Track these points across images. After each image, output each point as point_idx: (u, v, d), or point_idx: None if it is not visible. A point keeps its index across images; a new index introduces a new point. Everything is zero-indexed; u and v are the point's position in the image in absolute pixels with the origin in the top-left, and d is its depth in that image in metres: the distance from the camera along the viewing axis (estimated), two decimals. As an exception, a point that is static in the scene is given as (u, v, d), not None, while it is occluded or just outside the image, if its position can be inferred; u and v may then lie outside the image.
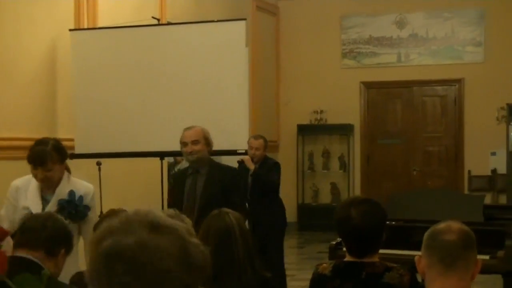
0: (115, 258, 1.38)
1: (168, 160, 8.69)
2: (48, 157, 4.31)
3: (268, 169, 7.69)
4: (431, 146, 12.93)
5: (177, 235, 1.42)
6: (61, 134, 7.44)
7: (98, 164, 6.90)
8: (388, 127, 13.09)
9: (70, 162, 7.30)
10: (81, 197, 4.42)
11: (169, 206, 6.04)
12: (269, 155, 8.17)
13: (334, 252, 5.45)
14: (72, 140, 7.21)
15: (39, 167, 4.30)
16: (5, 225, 3.94)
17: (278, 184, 7.78)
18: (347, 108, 12.98)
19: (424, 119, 12.96)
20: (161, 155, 7.18)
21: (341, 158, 13.17)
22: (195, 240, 1.45)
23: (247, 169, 7.62)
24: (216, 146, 6.92)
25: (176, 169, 10.27)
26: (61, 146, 4.50)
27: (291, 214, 11.83)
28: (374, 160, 13.11)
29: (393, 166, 13.01)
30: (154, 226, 1.41)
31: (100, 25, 7.81)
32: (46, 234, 3.19)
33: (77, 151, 7.15)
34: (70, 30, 7.39)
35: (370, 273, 3.23)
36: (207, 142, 5.62)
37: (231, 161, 8.02)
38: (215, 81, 6.97)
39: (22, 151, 6.85)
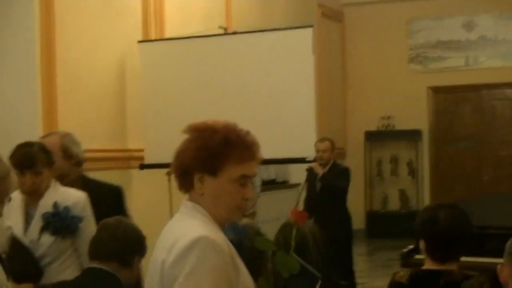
0: None
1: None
2: (36, 157, 3.81)
3: (337, 175, 7.65)
4: (502, 150, 12.68)
5: None
6: (132, 145, 7.55)
7: (168, 174, 6.95)
8: (457, 132, 12.89)
9: (139, 173, 7.43)
10: (67, 208, 3.80)
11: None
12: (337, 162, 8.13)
13: (406, 259, 5.37)
14: (142, 150, 7.30)
15: (27, 170, 3.77)
16: None
17: (347, 190, 7.72)
18: (415, 114, 12.82)
19: (494, 123, 12.73)
20: (229, 164, 7.21)
21: (409, 164, 13.02)
22: None
23: (315, 176, 7.61)
24: (284, 154, 6.92)
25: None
26: (48, 149, 3.94)
27: (359, 221, 11.76)
28: (443, 166, 12.92)
29: (463, 172, 12.80)
30: None
31: (167, 36, 7.88)
32: (117, 246, 3.18)
33: (147, 161, 7.23)
34: (139, 42, 7.48)
35: (449, 281, 3.17)
36: (67, 154, 4.35)
37: (300, 169, 8.02)
38: (282, 90, 6.96)
39: (95, 162, 6.98)
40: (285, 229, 3.32)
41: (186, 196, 2.43)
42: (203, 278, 2.19)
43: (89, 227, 3.79)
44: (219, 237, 2.30)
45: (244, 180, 2.37)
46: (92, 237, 3.36)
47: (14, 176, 2.90)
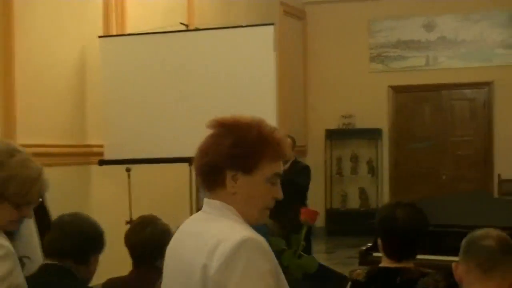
0: None
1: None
2: None
3: (297, 172, 7.66)
4: (460, 150, 12.82)
5: None
6: (91, 140, 7.49)
7: (128, 170, 6.93)
8: (416, 131, 12.99)
9: (99, 169, 7.38)
10: None
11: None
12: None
13: (364, 257, 5.40)
14: (101, 146, 7.25)
15: None
16: None
17: (307, 187, 7.74)
18: (375, 113, 12.91)
19: (453, 122, 12.86)
20: (190, 160, 7.18)
21: (369, 163, 13.10)
22: None
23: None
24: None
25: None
26: None
27: (319, 219, 11.79)
28: (402, 165, 13.02)
29: (422, 171, 12.92)
30: None
31: (128, 31, 7.84)
32: (72, 242, 3.13)
33: (107, 157, 7.19)
34: (99, 37, 7.43)
35: (405, 279, 3.19)
36: None
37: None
38: (243, 87, 6.97)
39: (54, 157, 6.92)
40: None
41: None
42: (257, 284, 2.06)
43: (28, 229, 3.55)
44: (262, 239, 2.15)
45: (275, 178, 2.27)
46: (47, 234, 3.31)
47: (46, 176, 2.77)
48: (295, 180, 7.57)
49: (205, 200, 2.30)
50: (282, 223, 3.75)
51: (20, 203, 2.63)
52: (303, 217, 2.98)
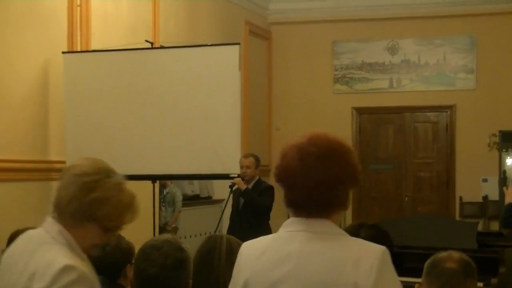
0: None
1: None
2: None
3: (260, 192, 7.64)
4: (422, 172, 12.92)
5: None
6: (53, 156, 7.41)
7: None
8: (379, 153, 13.07)
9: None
10: None
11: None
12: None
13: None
14: (64, 162, 7.18)
15: None
16: None
17: (270, 208, 7.72)
18: (339, 133, 12.66)
19: (416, 145, 12.96)
20: (153, 178, 7.15)
21: (332, 183, 13.09)
22: None
23: (240, 192, 7.59)
24: (208, 171, 6.90)
25: (165, 193, 10.26)
26: None
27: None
28: (364, 186, 13.05)
29: (384, 192, 12.98)
30: None
31: (93, 48, 7.79)
32: None
33: (69, 174, 7.10)
34: (63, 52, 7.37)
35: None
36: None
37: (225, 185, 8.00)
38: (208, 105, 6.95)
39: (14, 173, 6.83)
40: (209, 241, 3.28)
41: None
42: None
43: None
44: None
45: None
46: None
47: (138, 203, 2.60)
48: (258, 200, 7.55)
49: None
50: (244, 241, 3.72)
51: (108, 227, 2.48)
52: None
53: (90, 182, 2.44)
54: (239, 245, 3.30)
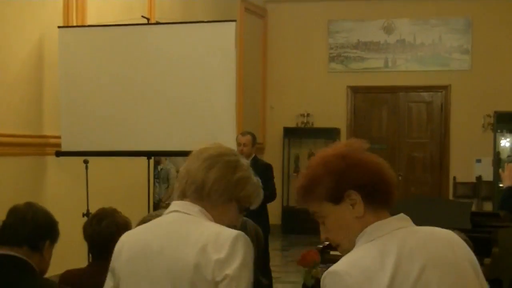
0: None
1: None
2: None
3: (261, 172, 7.62)
4: (416, 152, 12.96)
5: None
6: (48, 131, 7.40)
7: (85, 162, 6.86)
8: (373, 132, 13.09)
9: (56, 160, 7.29)
10: None
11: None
12: (255, 157, 8.13)
13: (321, 256, 5.42)
14: (58, 137, 7.17)
15: None
16: None
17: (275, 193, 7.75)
18: (334, 112, 12.97)
19: (410, 125, 12.99)
20: (148, 154, 7.15)
21: (326, 162, 13.12)
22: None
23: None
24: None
25: (159, 169, 10.26)
26: None
27: (275, 217, 11.83)
28: (359, 165, 13.08)
29: (378, 171, 13.00)
30: None
31: (89, 23, 7.76)
32: (27, 230, 3.10)
33: (64, 148, 7.11)
34: (59, 27, 7.34)
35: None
36: None
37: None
38: (203, 82, 6.94)
39: (8, 147, 6.82)
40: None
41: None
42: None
43: None
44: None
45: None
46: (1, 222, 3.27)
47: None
48: (271, 198, 7.51)
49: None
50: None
51: (244, 207, 2.43)
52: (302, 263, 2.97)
53: (234, 161, 2.41)
54: (254, 228, 3.30)
